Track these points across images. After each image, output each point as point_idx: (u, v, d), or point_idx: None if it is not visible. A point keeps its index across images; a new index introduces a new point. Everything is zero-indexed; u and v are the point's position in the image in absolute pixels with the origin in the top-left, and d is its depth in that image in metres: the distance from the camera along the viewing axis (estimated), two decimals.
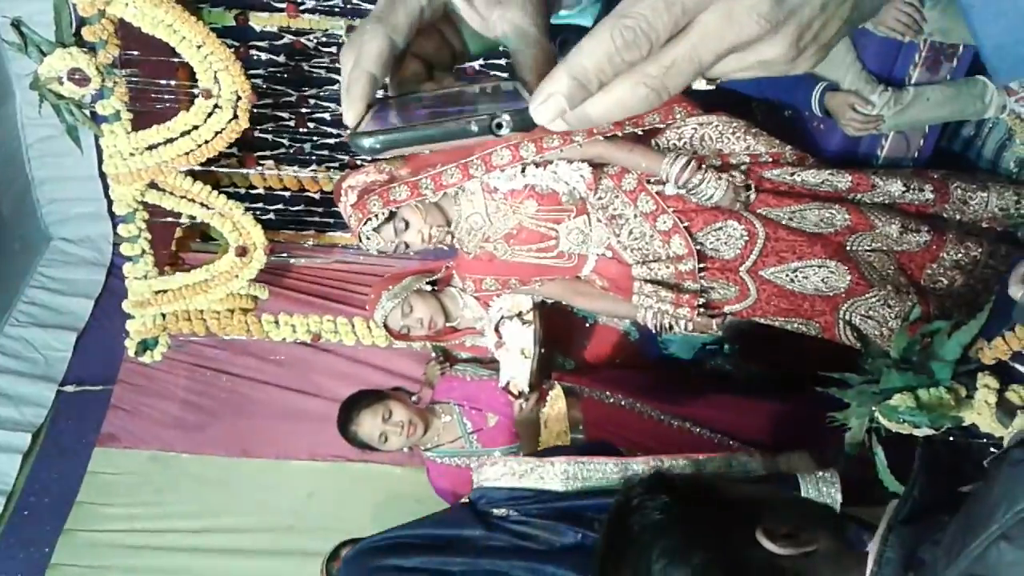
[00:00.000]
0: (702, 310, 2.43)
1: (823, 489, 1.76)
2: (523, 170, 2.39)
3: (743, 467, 1.95)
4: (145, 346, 3.14)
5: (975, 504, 0.89)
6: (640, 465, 1.87)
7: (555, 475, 1.85)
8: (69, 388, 3.54)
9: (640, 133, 2.47)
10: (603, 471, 1.86)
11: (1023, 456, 0.89)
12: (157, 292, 3.00)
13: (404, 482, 3.07)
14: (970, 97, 2.54)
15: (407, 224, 2.44)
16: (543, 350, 2.70)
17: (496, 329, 2.72)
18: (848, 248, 2.44)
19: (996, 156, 2.73)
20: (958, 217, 2.53)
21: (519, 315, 2.68)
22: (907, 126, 2.59)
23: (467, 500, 2.01)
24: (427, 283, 2.83)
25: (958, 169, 2.68)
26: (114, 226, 3.25)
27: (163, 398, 3.48)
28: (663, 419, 2.66)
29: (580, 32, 0.57)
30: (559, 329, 2.88)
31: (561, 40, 0.77)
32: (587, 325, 2.97)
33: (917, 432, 2.03)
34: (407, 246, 2.48)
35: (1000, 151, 2.72)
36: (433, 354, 3.21)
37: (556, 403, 2.70)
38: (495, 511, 1.89)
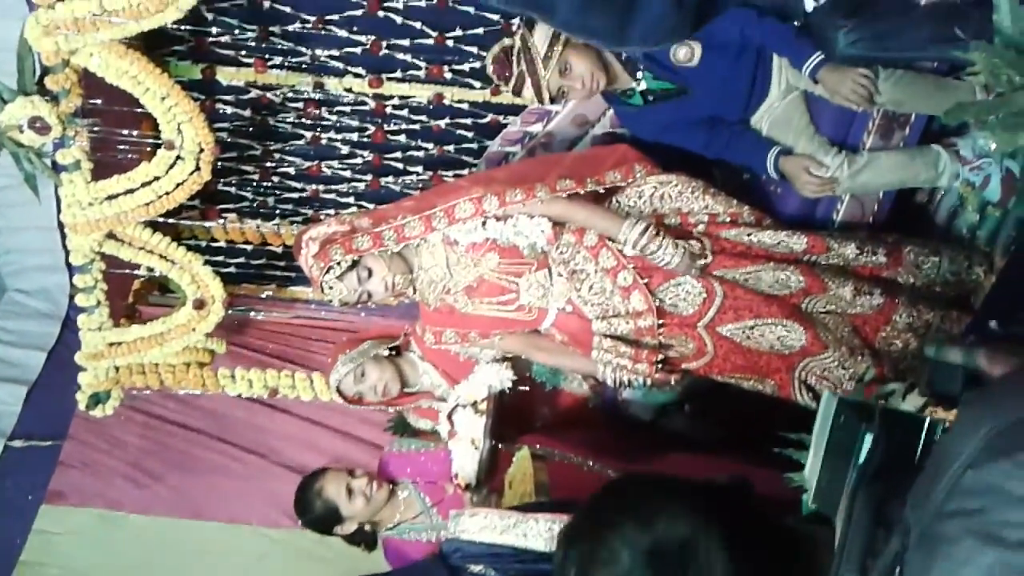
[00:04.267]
0: (660, 366, 2.44)
1: None
2: (484, 223, 2.41)
3: None
4: (97, 400, 3.07)
5: (937, 453, 0.90)
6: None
7: (539, 533, 1.77)
8: (17, 443, 3.43)
9: (602, 191, 2.50)
10: None
11: (973, 396, 0.91)
12: (111, 344, 2.95)
13: (360, 557, 2.97)
14: (923, 164, 2.60)
15: (370, 272, 2.43)
16: (495, 443, 2.66)
17: (449, 417, 2.69)
18: (803, 309, 2.48)
19: (949, 222, 2.79)
20: (912, 281, 2.58)
21: (474, 404, 2.66)
22: (862, 190, 2.65)
23: (438, 552, 1.94)
24: (387, 348, 2.80)
25: (912, 233, 2.73)
26: (71, 277, 3.20)
27: (114, 455, 3.39)
28: None
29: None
30: (520, 396, 2.86)
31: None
32: (547, 391, 2.95)
33: None
34: (370, 296, 2.46)
35: (952, 217, 2.78)
36: (390, 423, 3.15)
37: (522, 463, 2.66)
38: (471, 567, 1.81)
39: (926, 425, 1.55)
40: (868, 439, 1.54)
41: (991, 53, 1.94)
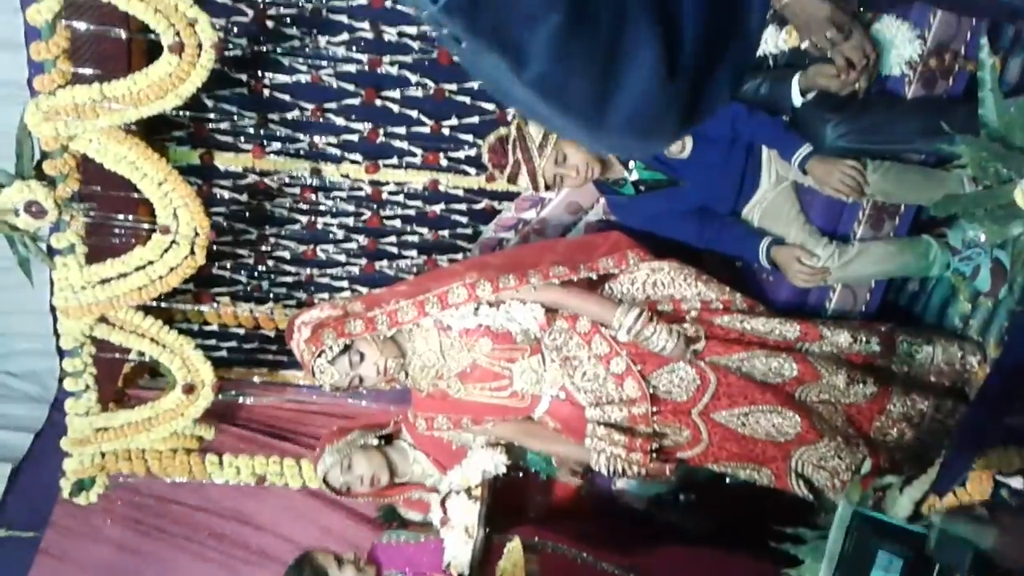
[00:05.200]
0: (655, 455, 2.41)
1: None
2: (477, 309, 2.41)
3: None
4: (81, 487, 3.01)
5: None
6: None
7: None
8: None
9: (595, 277, 2.51)
10: None
11: None
12: (98, 429, 2.91)
13: None
14: (913, 254, 2.62)
15: (362, 356, 2.41)
16: (489, 531, 2.61)
17: (442, 504, 2.64)
18: (797, 398, 2.46)
19: (941, 311, 2.80)
20: (905, 370, 2.57)
21: (468, 490, 2.61)
22: (853, 280, 2.66)
23: None
24: (376, 437, 2.76)
25: (905, 323, 2.73)
26: (61, 361, 3.17)
27: (95, 545, 3.26)
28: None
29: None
30: (513, 486, 2.81)
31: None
32: (541, 480, 2.91)
33: None
34: (362, 380, 2.44)
35: (945, 307, 2.79)
36: (379, 513, 3.08)
37: (514, 555, 2.59)
38: None
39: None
40: (882, 557, 1.52)
41: (978, 146, 1.97)
